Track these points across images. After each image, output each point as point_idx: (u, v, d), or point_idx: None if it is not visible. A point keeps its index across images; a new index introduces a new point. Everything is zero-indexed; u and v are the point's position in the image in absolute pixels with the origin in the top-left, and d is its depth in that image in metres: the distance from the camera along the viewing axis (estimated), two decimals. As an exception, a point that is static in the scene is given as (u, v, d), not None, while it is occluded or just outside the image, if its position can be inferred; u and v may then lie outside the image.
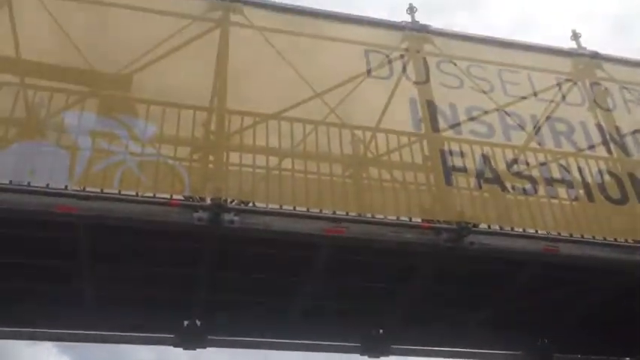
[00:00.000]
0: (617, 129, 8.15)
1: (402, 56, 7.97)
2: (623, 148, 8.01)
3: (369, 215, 6.68)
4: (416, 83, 7.81)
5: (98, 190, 5.96)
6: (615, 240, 7.11)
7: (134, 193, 6.06)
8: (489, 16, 34.48)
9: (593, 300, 8.11)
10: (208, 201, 6.14)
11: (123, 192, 6.05)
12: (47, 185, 5.83)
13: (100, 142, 6.34)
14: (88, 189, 5.94)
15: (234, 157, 6.65)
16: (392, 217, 6.74)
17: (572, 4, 36.03)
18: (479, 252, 6.69)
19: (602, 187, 7.49)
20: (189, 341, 7.84)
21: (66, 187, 5.86)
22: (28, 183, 5.80)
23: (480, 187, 7.13)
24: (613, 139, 8.07)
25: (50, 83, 6.73)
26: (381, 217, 6.68)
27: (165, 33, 7.17)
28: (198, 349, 7.90)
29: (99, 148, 6.27)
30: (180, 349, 7.81)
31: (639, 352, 9.20)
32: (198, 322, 7.85)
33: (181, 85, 7.06)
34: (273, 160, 6.75)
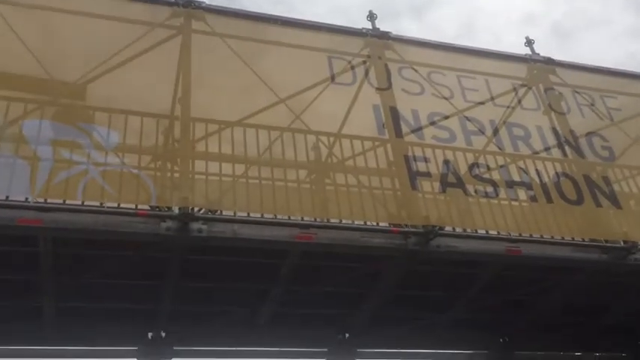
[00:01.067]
0: (572, 132, 8.42)
1: (364, 62, 8.05)
2: (578, 151, 8.28)
3: (336, 221, 6.69)
4: (378, 89, 7.89)
5: (61, 202, 5.78)
6: (573, 239, 7.34)
7: (98, 204, 5.92)
8: (435, 21, 35.15)
9: (552, 298, 8.36)
10: (176, 210, 6.05)
11: (87, 203, 5.90)
12: (7, 198, 5.62)
13: (61, 152, 6.16)
14: (50, 200, 5.75)
15: (199, 165, 6.57)
16: (359, 222, 6.78)
17: (513, 9, 37.15)
18: (445, 254, 6.80)
19: (559, 188, 7.72)
20: (153, 353, 7.69)
21: (27, 199, 5.66)
22: (-13, 196, 5.57)
23: (444, 191, 7.24)
24: (568, 141, 8.34)
25: (5, 92, 6.50)
26: (349, 222, 6.71)
27: (124, 41, 7.03)
28: (163, 360, 7.76)
29: (60, 158, 6.09)
30: None
31: (596, 348, 9.54)
32: (163, 334, 7.72)
33: (139, 93, 6.96)
34: (239, 168, 6.70)
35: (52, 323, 7.32)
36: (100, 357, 7.82)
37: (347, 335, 8.50)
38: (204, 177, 6.50)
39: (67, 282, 6.80)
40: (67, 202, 5.81)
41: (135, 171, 6.24)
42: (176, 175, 6.47)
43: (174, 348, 7.77)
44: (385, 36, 8.45)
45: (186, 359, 8.11)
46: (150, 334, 7.71)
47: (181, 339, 7.80)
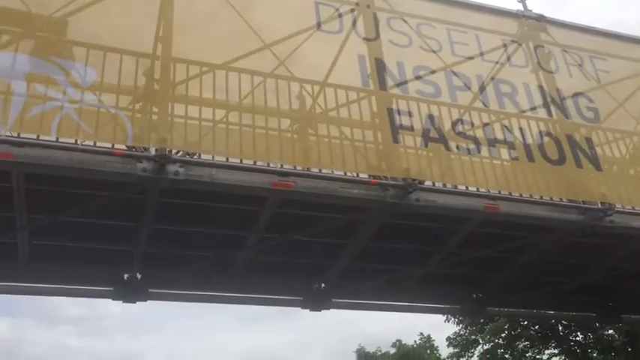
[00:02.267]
0: (558, 91, 8.36)
1: (352, 10, 7.84)
2: (563, 111, 8.24)
3: (316, 170, 6.64)
4: (365, 39, 7.72)
5: (34, 137, 5.65)
6: (551, 199, 7.36)
7: (73, 141, 5.79)
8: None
9: (527, 257, 8.45)
10: (152, 151, 5.95)
11: (61, 140, 5.77)
12: (-23, 131, 5.48)
13: (35, 87, 5.99)
14: (23, 135, 5.62)
15: (179, 109, 6.43)
16: (339, 173, 6.73)
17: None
18: (423, 208, 6.80)
19: (541, 147, 7.70)
20: (129, 294, 7.72)
21: (-1, 132, 5.53)
22: (-43, 128, 5.44)
23: (426, 146, 7.19)
24: (554, 101, 8.28)
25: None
26: (329, 172, 6.67)
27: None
28: (138, 302, 7.80)
29: (35, 94, 5.92)
30: (113, 303, 7.68)
31: (567, 307, 9.74)
32: (138, 275, 7.73)
33: (120, 31, 6.73)
34: (220, 114, 6.58)
35: (27, 261, 7.30)
36: (75, 296, 7.87)
37: (322, 285, 8.58)
38: (183, 120, 6.37)
39: (42, 220, 6.74)
40: (41, 138, 5.69)
41: (112, 110, 6.10)
42: (154, 117, 6.34)
43: (150, 290, 7.80)
44: (375, -17, 8.23)
45: (161, 302, 8.16)
46: (125, 276, 7.72)
47: (157, 282, 7.82)
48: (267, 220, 7.13)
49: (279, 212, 7.04)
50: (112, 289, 7.70)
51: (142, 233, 7.08)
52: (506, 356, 23.30)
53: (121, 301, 7.72)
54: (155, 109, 6.35)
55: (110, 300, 7.81)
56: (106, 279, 7.72)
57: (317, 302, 8.55)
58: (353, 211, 7.09)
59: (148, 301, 7.84)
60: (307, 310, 8.62)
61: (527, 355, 22.98)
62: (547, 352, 22.60)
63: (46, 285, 7.61)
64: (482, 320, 22.67)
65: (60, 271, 7.48)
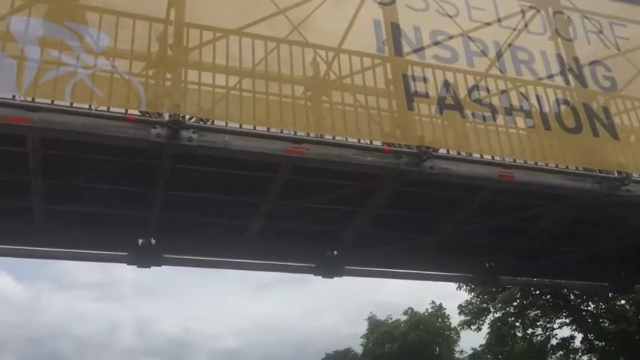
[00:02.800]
0: (576, 60, 8.20)
1: (367, -26, 7.69)
2: (580, 79, 8.10)
3: (329, 137, 6.61)
4: (381, 4, 7.59)
5: (48, 102, 5.66)
6: (567, 167, 7.29)
7: (87, 107, 5.80)
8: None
9: (541, 225, 8.41)
10: (166, 117, 5.94)
11: (75, 105, 5.78)
12: (-7, 94, 5.50)
13: (49, 52, 5.97)
14: (37, 100, 5.64)
15: (192, 75, 6.40)
16: (353, 140, 6.70)
17: None
18: (437, 176, 6.76)
19: (558, 116, 7.60)
20: (143, 259, 7.80)
21: (14, 97, 5.54)
22: (-28, 92, 5.45)
23: (441, 114, 7.11)
24: (571, 69, 8.13)
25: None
26: (342, 139, 6.63)
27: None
28: (153, 267, 7.88)
29: (48, 59, 5.90)
30: (128, 270, 7.78)
31: (580, 276, 9.72)
32: (153, 241, 7.80)
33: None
34: (233, 80, 6.53)
35: (42, 225, 7.38)
36: (90, 260, 7.98)
37: (335, 252, 8.61)
38: (196, 87, 6.34)
39: (57, 185, 6.79)
40: (55, 103, 5.70)
41: (125, 76, 6.08)
42: (168, 83, 6.31)
43: (164, 256, 7.88)
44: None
45: (175, 268, 8.25)
46: (140, 241, 7.79)
47: (171, 247, 7.90)
48: (280, 187, 7.13)
49: (292, 179, 7.04)
50: (126, 253, 7.78)
51: (155, 199, 7.12)
52: (517, 325, 23.44)
53: (135, 266, 7.82)
54: (168, 76, 6.32)
55: (125, 266, 7.92)
56: (121, 244, 7.80)
57: (330, 269, 8.59)
58: (366, 178, 7.08)
59: (163, 268, 7.94)
60: (320, 279, 8.67)
61: (537, 324, 23.08)
62: (558, 321, 22.69)
63: (61, 249, 7.70)
64: (493, 289, 22.77)
65: (75, 236, 7.56)
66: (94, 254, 7.89)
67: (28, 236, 7.45)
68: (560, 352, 24.20)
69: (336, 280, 8.73)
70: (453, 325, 32.60)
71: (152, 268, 7.86)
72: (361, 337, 35.29)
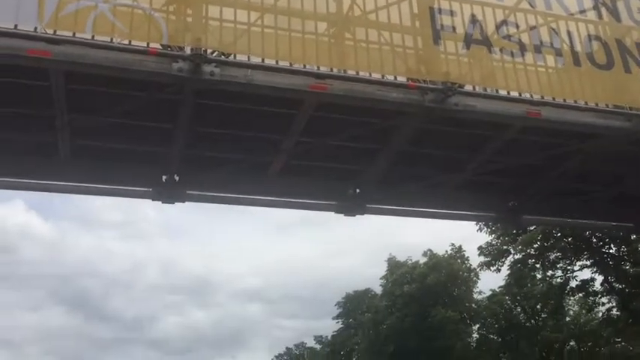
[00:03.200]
0: (610, -8, 7.87)
1: None
2: (614, 13, 7.79)
3: (353, 73, 6.49)
4: None
5: (70, 34, 5.61)
6: (597, 105, 7.10)
7: (109, 40, 5.74)
8: None
9: (566, 165, 8.29)
10: (188, 51, 5.87)
11: (97, 38, 5.72)
12: (15, 27, 5.45)
13: (69, -17, 5.87)
14: (59, 33, 5.58)
15: (213, 11, 6.25)
16: (377, 76, 6.57)
17: None
18: (462, 113, 6.65)
19: (588, 52, 7.36)
20: (167, 195, 7.86)
21: (35, 29, 5.49)
22: (-7, 24, 5.41)
23: (468, 49, 6.93)
24: (604, 3, 7.82)
25: None
26: (366, 75, 6.51)
27: None
28: (176, 203, 7.97)
29: (68, -9, 5.81)
30: (150, 209, 7.84)
31: (605, 217, 9.62)
32: (176, 177, 7.83)
33: None
34: (255, 16, 6.39)
35: (68, 160, 7.45)
36: (115, 195, 8.07)
37: (357, 190, 8.59)
38: (217, 23, 6.22)
39: (80, 120, 6.81)
40: (77, 35, 5.64)
41: (147, 10, 5.98)
42: (189, 19, 6.19)
43: (187, 192, 7.93)
44: None
45: (197, 208, 8.32)
46: (164, 177, 7.83)
47: (194, 184, 7.93)
48: (302, 124, 7.08)
49: (314, 116, 6.97)
50: (150, 189, 7.85)
51: (178, 135, 7.13)
52: (537, 266, 23.54)
53: (159, 202, 7.89)
54: (189, 11, 6.20)
55: (148, 206, 8.14)
56: (145, 180, 7.86)
57: (351, 207, 8.59)
58: (390, 115, 6.99)
59: (185, 208, 8.01)
60: (341, 221, 8.69)
61: (557, 266, 23.16)
62: (579, 263, 22.72)
63: (86, 184, 7.79)
64: (514, 231, 22.78)
65: (100, 171, 7.62)
66: (119, 189, 7.96)
67: (53, 171, 7.53)
68: (580, 295, 24.37)
69: (356, 223, 8.93)
70: (472, 267, 32.84)
71: (175, 206, 7.95)
72: (380, 278, 35.73)
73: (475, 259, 30.29)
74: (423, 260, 33.98)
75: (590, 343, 28.27)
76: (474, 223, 23.52)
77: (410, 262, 34.82)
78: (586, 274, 22.82)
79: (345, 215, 8.68)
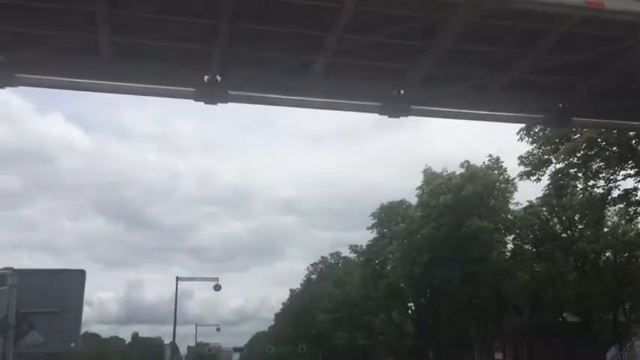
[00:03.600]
0: None
1: None
2: None
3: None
4: None
5: None
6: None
7: None
8: None
9: (623, 62, 7.88)
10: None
11: None
12: None
13: None
14: None
15: None
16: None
17: None
18: (516, 3, 6.28)
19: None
20: (209, 95, 7.76)
21: None
22: None
23: None
24: None
25: None
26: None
27: None
28: (219, 104, 7.88)
29: None
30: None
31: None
32: (218, 77, 7.71)
33: None
34: None
35: (110, 59, 7.37)
36: (158, 95, 8.01)
37: (402, 92, 8.36)
38: None
39: (122, 15, 6.67)
40: None
41: None
42: None
43: (230, 92, 7.82)
44: None
45: (240, 104, 8.23)
46: (206, 77, 7.71)
47: (236, 84, 7.80)
48: (346, 19, 6.81)
49: (358, 11, 6.70)
50: (193, 89, 7.75)
51: (221, 32, 6.95)
52: (579, 176, 23.11)
53: (202, 102, 7.80)
54: None
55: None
56: (187, 80, 7.77)
57: (396, 109, 8.39)
58: (438, 8, 6.66)
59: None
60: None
61: (600, 176, 22.68)
62: (622, 173, 22.16)
63: (129, 84, 7.74)
64: (557, 140, 22.26)
65: (142, 71, 7.55)
66: (162, 89, 7.89)
67: (95, 70, 7.47)
68: (621, 205, 23.99)
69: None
70: (510, 178, 32.54)
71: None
72: (416, 189, 35.78)
73: (513, 172, 29.98)
74: (459, 171, 33.76)
75: (626, 254, 28.18)
76: (515, 133, 23.09)
77: (446, 173, 34.67)
78: (629, 183, 22.34)
79: (390, 117, 8.51)
